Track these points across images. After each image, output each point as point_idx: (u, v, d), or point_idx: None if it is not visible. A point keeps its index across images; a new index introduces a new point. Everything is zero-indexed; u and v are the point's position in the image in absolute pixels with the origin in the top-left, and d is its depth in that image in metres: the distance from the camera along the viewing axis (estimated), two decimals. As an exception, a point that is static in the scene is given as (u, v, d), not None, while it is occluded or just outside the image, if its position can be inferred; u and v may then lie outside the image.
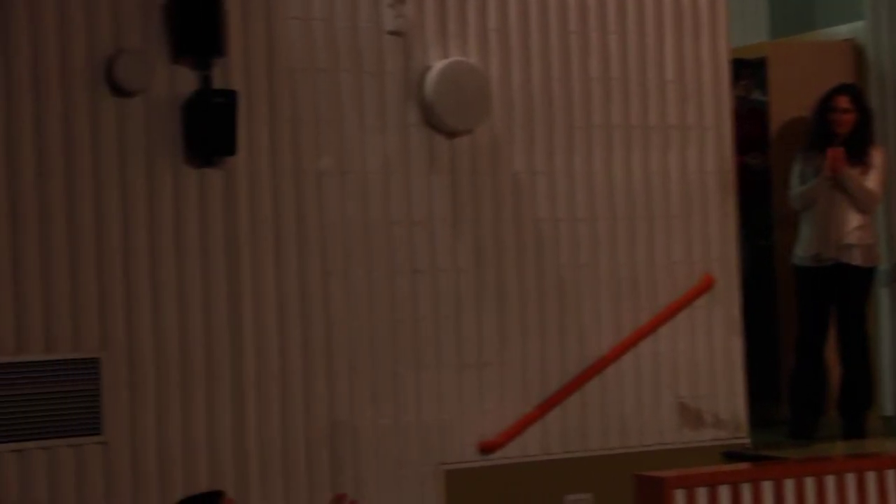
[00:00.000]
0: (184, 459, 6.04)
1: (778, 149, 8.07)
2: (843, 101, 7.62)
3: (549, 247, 6.83)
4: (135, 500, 5.93)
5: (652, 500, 5.69)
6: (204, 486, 5.93)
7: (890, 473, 5.94)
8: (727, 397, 7.19)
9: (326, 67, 6.40)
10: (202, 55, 6.09)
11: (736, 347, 7.23)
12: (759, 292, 7.93)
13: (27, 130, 5.82)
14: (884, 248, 8.00)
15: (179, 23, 6.05)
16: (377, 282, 6.46)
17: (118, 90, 5.97)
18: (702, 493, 5.67)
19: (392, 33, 6.55)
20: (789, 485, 5.82)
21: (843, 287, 7.55)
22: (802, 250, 7.63)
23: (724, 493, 5.70)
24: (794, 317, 7.75)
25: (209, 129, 6.06)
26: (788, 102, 8.05)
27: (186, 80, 6.09)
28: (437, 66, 6.59)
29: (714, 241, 7.21)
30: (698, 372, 7.13)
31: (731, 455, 7.06)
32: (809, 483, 5.83)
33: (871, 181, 7.56)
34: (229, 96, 6.08)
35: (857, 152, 7.55)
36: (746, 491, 5.73)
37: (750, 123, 8.12)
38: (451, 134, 6.66)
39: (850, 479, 5.87)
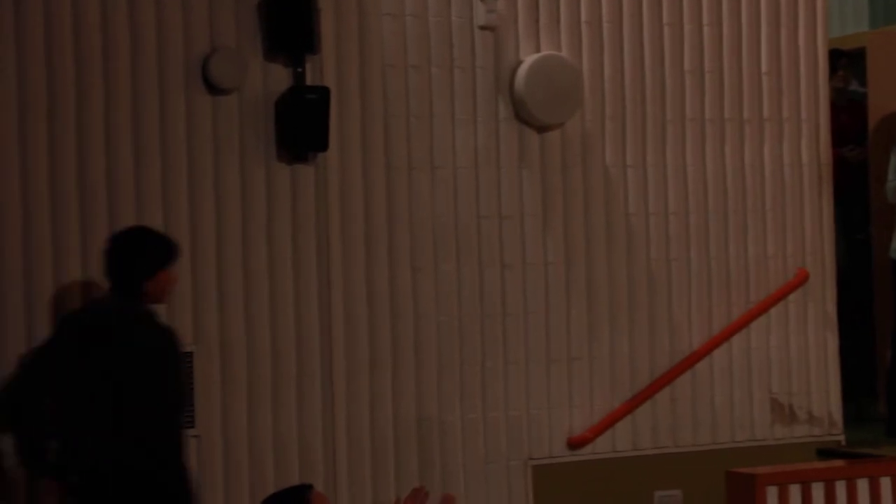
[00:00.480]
0: (275, 453, 6.10)
1: (876, 141, 7.93)
2: (944, 94, 7.48)
3: (639, 241, 6.80)
4: (227, 494, 5.99)
5: (744, 497, 5.62)
6: (294, 480, 5.97)
7: None
8: (821, 393, 7.11)
9: (418, 63, 6.41)
10: (295, 52, 6.14)
11: (830, 343, 7.14)
12: (855, 287, 7.83)
13: (125, 127, 5.90)
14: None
15: (273, 21, 6.09)
16: (466, 276, 6.47)
17: (213, 88, 6.03)
18: (795, 491, 5.59)
19: (483, 28, 6.55)
20: (885, 483, 5.74)
21: (942, 282, 7.43)
22: (900, 244, 7.52)
23: (817, 490, 5.62)
24: (891, 312, 7.64)
25: (302, 126, 6.10)
26: (887, 94, 7.89)
27: (280, 77, 6.14)
28: (528, 60, 6.56)
29: (809, 236, 7.12)
30: (791, 368, 7.06)
31: (826, 452, 6.99)
32: (905, 481, 5.75)
33: (970, 175, 7.42)
34: (322, 93, 6.12)
35: (956, 145, 7.42)
36: (841, 489, 5.64)
37: (847, 115, 7.99)
38: (542, 128, 6.64)
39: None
